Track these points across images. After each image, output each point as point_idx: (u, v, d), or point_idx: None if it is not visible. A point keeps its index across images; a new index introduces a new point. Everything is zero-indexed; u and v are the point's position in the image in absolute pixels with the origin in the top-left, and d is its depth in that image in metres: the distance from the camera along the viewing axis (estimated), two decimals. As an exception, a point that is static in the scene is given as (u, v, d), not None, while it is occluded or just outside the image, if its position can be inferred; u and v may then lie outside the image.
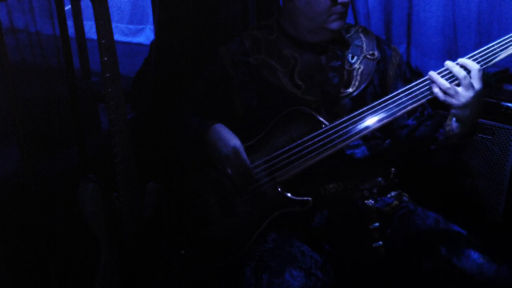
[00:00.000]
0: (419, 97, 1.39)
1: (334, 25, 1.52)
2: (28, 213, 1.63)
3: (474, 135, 1.45)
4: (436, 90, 1.36)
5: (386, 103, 1.41)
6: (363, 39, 1.63)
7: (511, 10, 1.89)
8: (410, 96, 1.40)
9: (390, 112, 1.41)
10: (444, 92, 1.35)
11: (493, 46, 1.38)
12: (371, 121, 1.42)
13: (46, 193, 1.66)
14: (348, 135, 1.42)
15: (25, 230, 1.67)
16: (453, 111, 1.38)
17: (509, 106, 1.81)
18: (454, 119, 1.42)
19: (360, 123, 1.42)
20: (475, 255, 1.34)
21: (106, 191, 1.51)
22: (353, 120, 1.42)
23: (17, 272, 1.68)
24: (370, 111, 1.42)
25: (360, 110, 1.43)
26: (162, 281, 1.68)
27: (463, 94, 1.33)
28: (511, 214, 1.87)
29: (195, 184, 1.66)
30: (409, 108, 1.40)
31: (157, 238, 1.65)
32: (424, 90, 1.39)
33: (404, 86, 1.42)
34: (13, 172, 1.74)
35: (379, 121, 1.41)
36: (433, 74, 1.37)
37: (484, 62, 1.36)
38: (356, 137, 1.42)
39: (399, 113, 1.41)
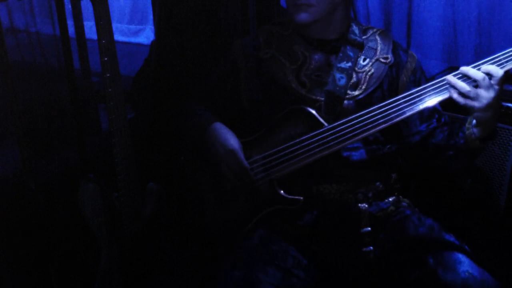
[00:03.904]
0: (413, 105, 1.38)
1: (298, 17, 1.52)
2: (28, 213, 1.63)
3: (495, 137, 1.44)
4: (455, 95, 1.34)
5: (386, 107, 1.40)
6: (379, 42, 1.62)
7: (511, 11, 1.89)
8: (409, 103, 1.39)
9: (388, 118, 1.40)
10: (464, 95, 1.33)
11: (498, 57, 1.35)
12: (370, 124, 1.41)
13: (46, 193, 1.66)
14: (345, 137, 1.42)
15: (25, 230, 1.67)
16: (475, 114, 1.35)
17: (509, 106, 1.81)
18: (474, 122, 1.40)
19: (358, 126, 1.41)
20: (461, 267, 1.33)
21: (106, 191, 1.51)
22: (352, 123, 1.42)
23: (17, 272, 1.68)
24: (369, 115, 1.41)
25: (359, 113, 1.42)
26: (162, 281, 1.68)
27: (485, 96, 1.31)
28: (511, 214, 1.87)
29: (195, 183, 1.67)
30: (405, 116, 1.39)
31: (157, 238, 1.65)
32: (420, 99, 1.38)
33: None
34: (13, 172, 1.74)
35: (377, 125, 1.41)
36: (451, 78, 1.34)
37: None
38: (353, 140, 1.42)
39: (396, 119, 1.40)
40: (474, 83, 1.33)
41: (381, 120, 1.40)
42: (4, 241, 1.63)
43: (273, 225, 1.54)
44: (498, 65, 1.33)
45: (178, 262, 1.73)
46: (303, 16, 1.51)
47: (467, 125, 1.43)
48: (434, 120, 1.58)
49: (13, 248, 1.66)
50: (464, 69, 1.34)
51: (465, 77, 1.34)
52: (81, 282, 1.71)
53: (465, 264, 1.34)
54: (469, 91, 1.32)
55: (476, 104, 1.32)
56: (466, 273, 1.31)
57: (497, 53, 1.36)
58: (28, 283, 1.73)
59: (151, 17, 4.32)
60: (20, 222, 1.66)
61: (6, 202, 1.66)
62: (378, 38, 1.63)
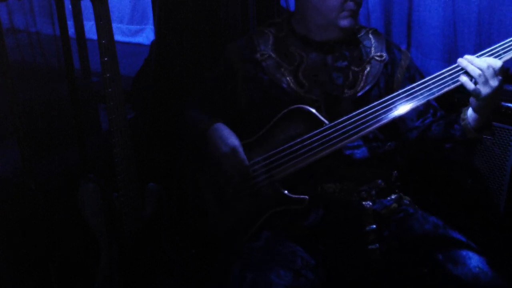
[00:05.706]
0: (413, 99, 1.39)
1: (345, 22, 1.52)
2: (28, 213, 1.63)
3: (490, 129, 1.46)
4: (465, 79, 1.36)
5: (383, 105, 1.41)
6: (373, 40, 1.63)
7: (511, 11, 1.89)
8: (409, 97, 1.40)
9: (386, 115, 1.40)
10: (472, 79, 1.35)
11: (495, 48, 1.38)
12: (371, 121, 1.41)
13: (46, 193, 1.66)
14: (347, 135, 1.42)
15: (25, 230, 1.67)
16: (476, 102, 1.38)
17: (509, 106, 1.81)
18: (469, 112, 1.43)
19: (359, 123, 1.42)
20: (471, 262, 1.34)
21: (106, 191, 1.51)
22: (352, 120, 1.42)
23: (17, 272, 1.68)
24: (369, 111, 1.42)
25: (359, 111, 1.42)
26: (162, 281, 1.68)
27: (490, 84, 1.34)
28: (511, 214, 1.87)
29: (195, 183, 1.67)
30: (406, 111, 1.39)
31: (157, 238, 1.65)
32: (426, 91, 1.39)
33: None
34: (13, 172, 1.74)
35: (378, 121, 1.41)
36: (463, 60, 1.37)
37: None
38: (354, 137, 1.42)
39: (396, 115, 1.40)
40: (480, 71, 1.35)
41: (382, 116, 1.40)
42: (4, 241, 1.63)
43: (278, 226, 1.53)
44: (496, 57, 1.37)
45: (178, 262, 1.73)
46: (351, 22, 1.53)
47: (462, 116, 1.46)
48: (430, 114, 1.59)
49: (13, 248, 1.66)
50: (469, 57, 1.37)
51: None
52: (81, 282, 1.71)
53: (475, 260, 1.35)
54: (480, 74, 1.34)
55: (482, 90, 1.35)
56: (477, 268, 1.32)
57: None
58: (28, 283, 1.73)
59: (151, 17, 4.32)
60: (20, 222, 1.66)
61: (6, 202, 1.66)
62: (371, 37, 1.64)
